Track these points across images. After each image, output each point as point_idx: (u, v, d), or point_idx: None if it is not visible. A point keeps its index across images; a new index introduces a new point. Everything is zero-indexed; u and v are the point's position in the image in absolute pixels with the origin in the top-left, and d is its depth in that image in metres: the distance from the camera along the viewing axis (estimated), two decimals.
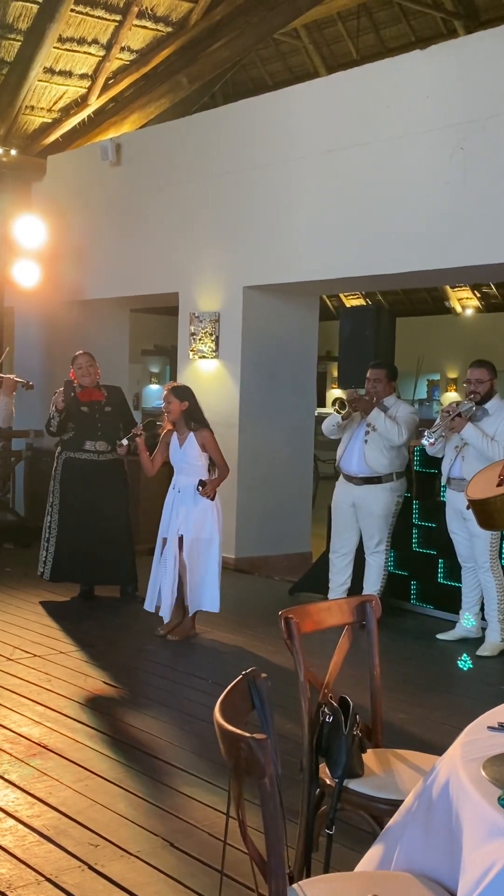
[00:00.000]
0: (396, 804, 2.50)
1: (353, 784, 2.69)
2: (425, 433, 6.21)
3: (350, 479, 6.83)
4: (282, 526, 8.86)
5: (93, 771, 4.16)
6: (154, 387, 21.70)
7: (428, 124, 7.08)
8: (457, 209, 6.93)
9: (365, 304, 18.77)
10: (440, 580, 6.96)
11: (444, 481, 6.41)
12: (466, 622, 6.39)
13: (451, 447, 6.25)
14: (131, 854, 3.41)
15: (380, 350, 7.56)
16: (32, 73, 9.89)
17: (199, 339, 8.88)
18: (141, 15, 9.94)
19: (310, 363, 9.17)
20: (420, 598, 7.18)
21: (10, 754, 4.31)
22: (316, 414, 9.66)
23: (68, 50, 10.00)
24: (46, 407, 7.41)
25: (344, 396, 6.86)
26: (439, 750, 2.56)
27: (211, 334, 8.78)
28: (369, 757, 2.81)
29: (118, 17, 9.87)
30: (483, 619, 6.37)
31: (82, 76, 10.39)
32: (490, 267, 7.00)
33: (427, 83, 7.13)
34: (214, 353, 8.77)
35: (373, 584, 6.81)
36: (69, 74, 10.30)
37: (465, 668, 5.84)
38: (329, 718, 2.70)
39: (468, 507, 4.68)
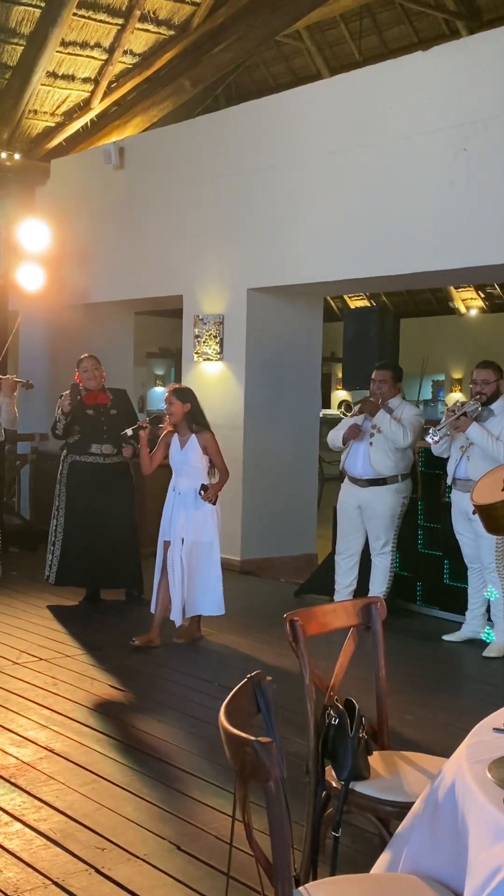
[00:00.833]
0: (402, 806, 2.51)
1: (358, 786, 2.69)
2: (430, 430, 6.22)
3: (355, 481, 6.82)
4: (287, 528, 8.85)
5: (99, 774, 4.16)
6: (159, 389, 21.70)
7: (431, 125, 7.08)
8: (460, 210, 6.92)
9: (369, 305, 18.75)
10: (446, 581, 6.95)
11: (449, 482, 6.41)
12: (487, 637, 6.27)
13: (456, 448, 6.25)
14: (138, 857, 3.41)
15: (384, 351, 7.55)
16: (35, 77, 9.91)
17: (204, 342, 8.89)
18: (143, 18, 9.96)
19: (314, 365, 9.16)
20: (425, 600, 7.17)
21: (17, 758, 4.32)
22: (321, 415, 9.64)
23: (71, 54, 10.03)
24: (52, 410, 7.40)
25: (349, 399, 6.85)
26: (445, 752, 2.55)
27: (215, 336, 8.78)
28: (375, 759, 2.81)
29: (120, 21, 9.89)
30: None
31: (85, 80, 10.41)
32: (494, 267, 6.99)
33: (430, 84, 7.13)
34: (219, 356, 8.77)
35: (379, 585, 6.81)
36: (72, 78, 10.32)
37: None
38: (335, 721, 2.69)
39: (474, 513, 4.68)
